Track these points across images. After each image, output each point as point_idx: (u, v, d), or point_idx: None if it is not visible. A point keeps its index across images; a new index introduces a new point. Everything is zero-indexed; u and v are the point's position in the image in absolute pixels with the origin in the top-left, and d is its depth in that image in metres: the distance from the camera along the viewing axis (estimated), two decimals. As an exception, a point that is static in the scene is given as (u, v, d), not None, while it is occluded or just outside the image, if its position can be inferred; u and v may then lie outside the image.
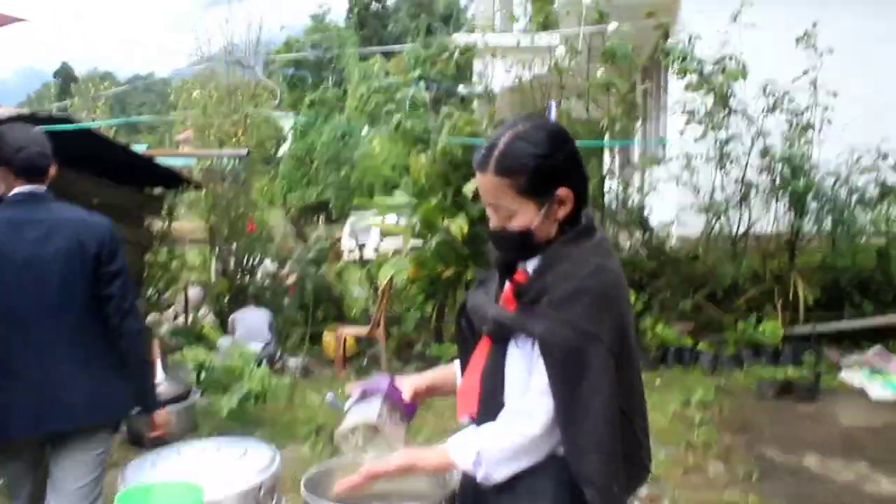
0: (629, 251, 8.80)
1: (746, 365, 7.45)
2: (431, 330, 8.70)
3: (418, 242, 8.70)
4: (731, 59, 7.52)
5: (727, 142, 7.88)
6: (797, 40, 7.42)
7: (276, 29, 35.58)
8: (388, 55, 28.88)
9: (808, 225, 7.87)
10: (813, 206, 7.72)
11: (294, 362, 8.06)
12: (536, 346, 1.64)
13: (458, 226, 7.88)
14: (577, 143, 1.79)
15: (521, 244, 1.72)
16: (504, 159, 1.66)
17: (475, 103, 9.01)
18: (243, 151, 8.61)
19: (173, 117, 11.79)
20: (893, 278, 7.77)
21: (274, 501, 1.79)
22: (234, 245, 9.73)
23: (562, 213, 1.70)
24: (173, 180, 8.61)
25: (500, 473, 1.65)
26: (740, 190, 8.03)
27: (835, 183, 7.68)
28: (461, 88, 10.61)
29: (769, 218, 7.98)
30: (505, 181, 1.67)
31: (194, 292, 10.18)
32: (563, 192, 1.68)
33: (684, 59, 7.56)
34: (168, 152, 11.83)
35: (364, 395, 1.87)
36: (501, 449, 1.64)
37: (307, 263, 9.46)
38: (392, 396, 1.86)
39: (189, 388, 5.84)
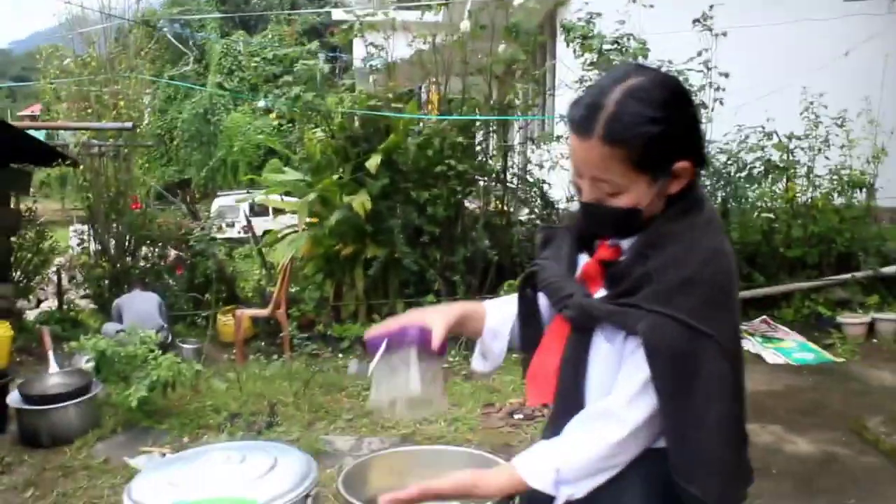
0: (525, 226, 8.89)
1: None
2: (330, 310, 8.49)
3: (277, 223, 8.40)
4: (629, 38, 7.63)
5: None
6: (693, 22, 7.61)
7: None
8: (249, 29, 27.94)
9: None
10: (706, 182, 7.98)
11: (189, 348, 7.65)
12: (631, 342, 1.41)
13: (360, 202, 7.68)
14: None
15: (625, 224, 1.46)
16: (615, 124, 1.35)
17: (371, 78, 8.76)
18: (128, 125, 8.04)
19: (39, 85, 10.87)
20: (777, 251, 8.16)
21: (319, 511, 1.61)
22: (115, 225, 9.10)
23: (676, 187, 1.43)
24: (45, 156, 7.97)
25: (584, 489, 1.42)
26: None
27: (727, 160, 7.97)
28: (359, 62, 10.31)
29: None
30: (615, 152, 1.37)
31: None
32: (681, 165, 1.40)
33: (586, 37, 7.61)
34: (38, 125, 10.94)
35: (389, 347, 1.61)
36: (585, 461, 1.41)
37: (198, 243, 8.97)
38: (426, 347, 1.57)
39: (89, 380, 5.41)
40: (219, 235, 10.12)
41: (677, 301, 1.37)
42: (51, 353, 5.72)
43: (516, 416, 5.60)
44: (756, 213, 8.23)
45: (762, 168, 8.08)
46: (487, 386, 6.50)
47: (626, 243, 1.51)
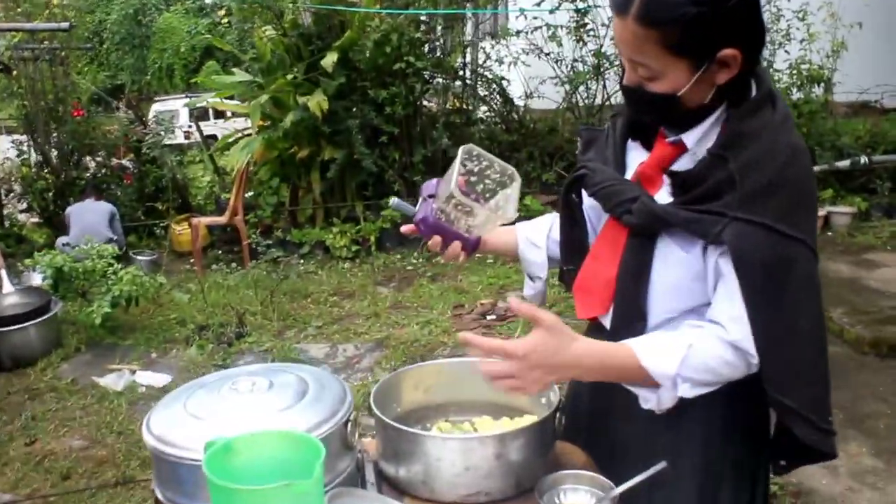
0: (486, 124, 8.73)
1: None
2: (287, 214, 8.30)
3: (220, 127, 8.07)
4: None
5: (584, 13, 7.83)
6: None
7: None
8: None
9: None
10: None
11: (145, 259, 7.41)
12: (713, 253, 1.32)
13: (316, 103, 7.39)
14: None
15: (666, 111, 1.34)
16: (651, 4, 1.24)
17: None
18: (64, 25, 7.51)
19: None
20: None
21: (357, 439, 1.50)
22: (56, 134, 8.64)
23: (723, 77, 1.30)
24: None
25: (696, 391, 1.32)
26: (598, 62, 8.06)
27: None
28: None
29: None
30: (650, 33, 1.25)
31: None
32: (728, 53, 1.27)
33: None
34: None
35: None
36: (702, 364, 1.30)
37: (151, 150, 8.59)
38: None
39: (48, 299, 5.19)
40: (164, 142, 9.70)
41: (764, 206, 1.28)
42: (3, 272, 5.46)
43: (488, 318, 5.58)
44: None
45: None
46: (455, 287, 6.46)
47: (689, 139, 1.38)
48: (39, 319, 5.04)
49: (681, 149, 1.40)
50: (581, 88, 8.38)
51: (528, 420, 1.60)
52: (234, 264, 7.29)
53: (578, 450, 1.60)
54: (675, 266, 1.37)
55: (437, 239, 1.52)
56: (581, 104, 8.47)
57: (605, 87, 8.19)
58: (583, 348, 1.30)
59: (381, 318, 5.70)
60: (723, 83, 1.32)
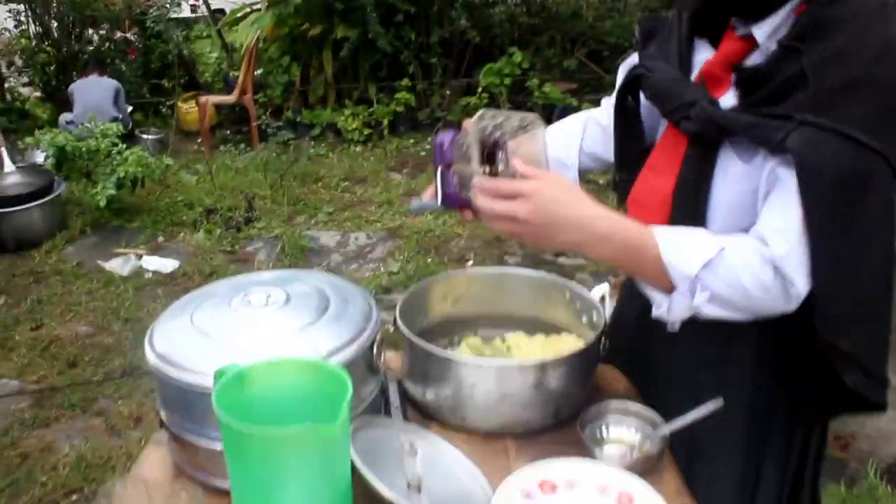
0: (507, 5, 8.31)
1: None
2: (297, 95, 8.01)
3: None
4: None
5: None
6: None
7: None
8: None
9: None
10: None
11: (151, 138, 7.20)
12: (774, 162, 1.11)
13: (329, -23, 7.00)
14: None
15: None
16: None
17: None
18: None
19: None
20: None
21: (382, 361, 1.35)
22: (56, 4, 8.25)
23: None
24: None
25: (713, 310, 1.14)
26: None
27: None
28: None
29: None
30: None
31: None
32: None
33: None
34: None
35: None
36: (732, 280, 1.12)
37: (156, 24, 8.22)
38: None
39: (51, 179, 5.02)
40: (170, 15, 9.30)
41: (841, 109, 1.06)
42: (3, 151, 5.26)
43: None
44: None
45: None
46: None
47: (760, 33, 1.16)
48: (43, 200, 4.89)
49: (752, 44, 1.19)
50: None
51: (568, 341, 1.46)
52: (242, 145, 7.11)
53: (620, 375, 1.47)
54: (736, 180, 1.19)
55: (467, 213, 1.31)
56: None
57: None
58: (597, 211, 1.14)
59: (393, 206, 5.53)
60: None
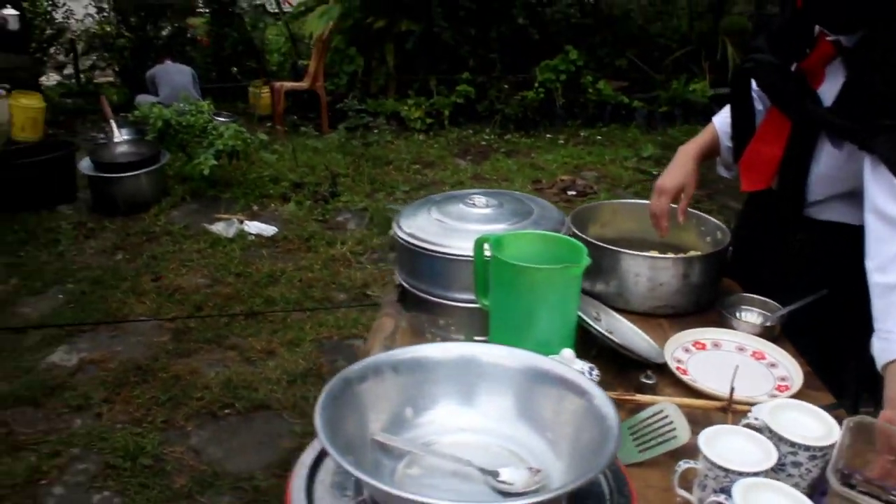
0: (561, 5, 8.69)
1: (679, 122, 7.78)
2: (360, 84, 8.44)
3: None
4: None
5: None
6: None
7: None
8: None
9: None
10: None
11: (223, 121, 7.63)
12: (869, 160, 1.34)
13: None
14: None
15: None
16: None
17: None
18: None
19: None
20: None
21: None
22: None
23: None
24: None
25: None
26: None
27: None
28: None
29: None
30: None
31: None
32: None
33: None
34: None
35: None
36: None
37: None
38: None
39: (157, 150, 5.49)
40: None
41: None
42: (113, 123, 5.74)
43: (569, 192, 5.81)
44: None
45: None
46: (531, 163, 6.67)
47: (847, 41, 1.42)
48: (151, 168, 5.36)
49: (839, 49, 1.44)
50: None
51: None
52: (310, 128, 7.52)
53: (736, 284, 1.89)
54: (833, 159, 1.51)
55: None
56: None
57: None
58: None
59: (465, 186, 5.90)
60: None
